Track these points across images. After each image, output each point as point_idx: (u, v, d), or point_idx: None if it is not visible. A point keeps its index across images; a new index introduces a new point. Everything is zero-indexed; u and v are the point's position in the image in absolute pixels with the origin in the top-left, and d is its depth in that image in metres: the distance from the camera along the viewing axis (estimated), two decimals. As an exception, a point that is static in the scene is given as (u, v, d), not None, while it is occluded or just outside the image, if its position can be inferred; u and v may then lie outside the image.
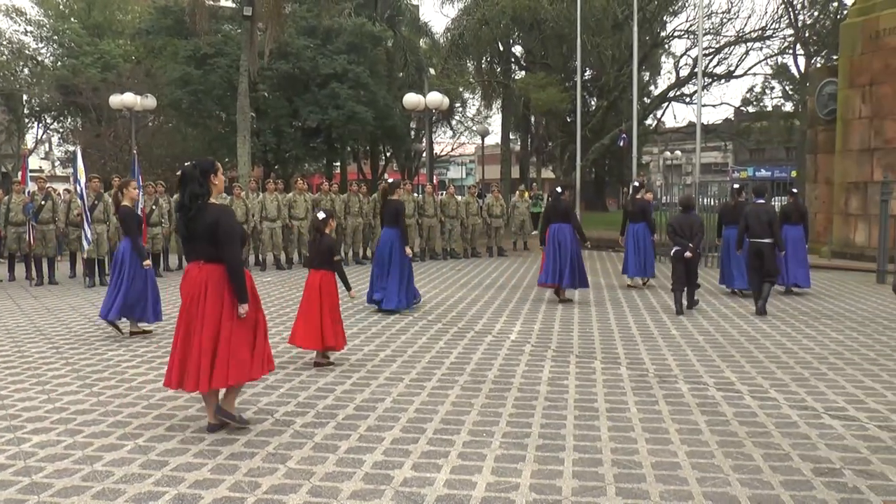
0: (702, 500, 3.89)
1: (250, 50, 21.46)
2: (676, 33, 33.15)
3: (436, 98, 21.72)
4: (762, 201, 10.29)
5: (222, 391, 5.06)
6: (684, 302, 10.08)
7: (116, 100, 21.57)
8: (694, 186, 17.79)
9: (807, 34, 30.82)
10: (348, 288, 7.39)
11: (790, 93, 37.14)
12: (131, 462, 4.47)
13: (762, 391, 6.03)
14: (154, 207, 14.42)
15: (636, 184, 13.24)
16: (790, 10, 30.45)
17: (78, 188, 12.82)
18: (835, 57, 23.49)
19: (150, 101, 22.45)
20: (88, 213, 12.64)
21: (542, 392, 5.96)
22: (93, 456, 4.59)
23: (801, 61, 31.85)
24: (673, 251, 10.11)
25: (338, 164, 36.70)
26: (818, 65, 27.46)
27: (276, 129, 28.41)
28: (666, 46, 35.31)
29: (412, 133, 39.07)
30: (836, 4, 29.24)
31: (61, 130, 37.45)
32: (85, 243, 12.59)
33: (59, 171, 43.41)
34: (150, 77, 28.67)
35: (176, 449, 4.69)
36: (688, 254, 9.94)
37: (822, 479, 4.20)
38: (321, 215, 7.26)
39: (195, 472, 4.29)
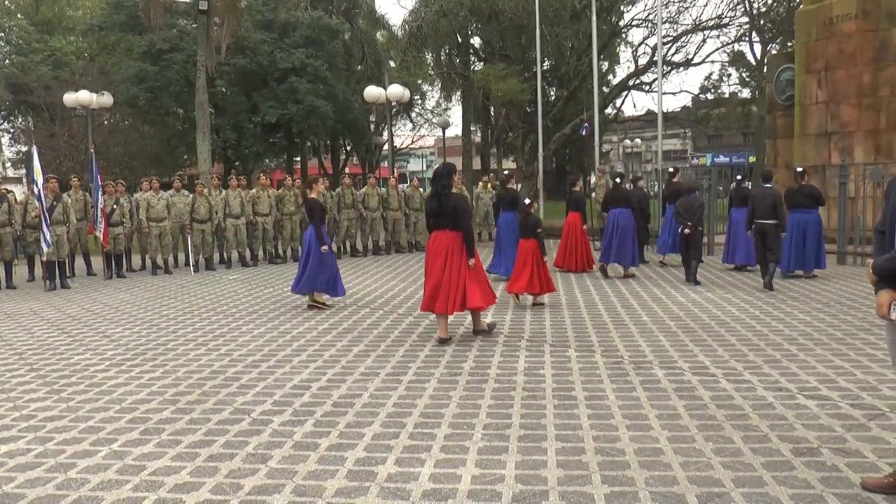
0: (686, 485, 3.92)
1: (207, 45, 21.14)
2: (634, 22, 33.35)
3: (397, 91, 21.61)
4: (769, 185, 11.16)
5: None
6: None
7: (71, 98, 21.10)
8: (654, 173, 17.98)
9: (762, 22, 31.23)
10: (543, 253, 9.43)
11: (747, 79, 37.62)
12: (107, 468, 4.37)
13: (736, 374, 6.10)
14: (115, 207, 14.15)
15: (671, 170, 14.30)
16: (746, -3, 30.84)
17: (35, 189, 12.54)
18: (790, 44, 23.88)
19: (106, 99, 22.00)
20: (47, 215, 12.37)
21: (520, 382, 5.96)
22: (66, 463, 4.47)
23: (758, 48, 32.31)
24: (679, 229, 11.45)
25: (298, 159, 36.41)
26: (774, 52, 27.84)
27: (235, 125, 28.09)
28: (624, 36, 35.49)
29: (372, 126, 38.89)
30: (790, -9, 29.68)
31: (12, 130, 36.62)
32: (44, 245, 12.32)
33: (10, 173, 42.44)
34: (104, 74, 28.16)
35: (153, 453, 4.59)
36: (686, 230, 11.20)
37: (801, 458, 4.25)
38: (527, 201, 9.76)
39: (174, 476, 4.21)
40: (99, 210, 13.71)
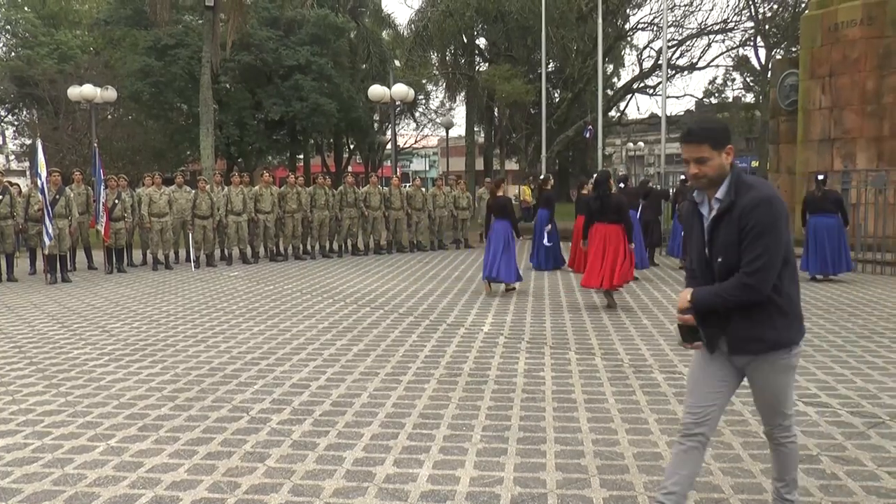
0: (686, 491, 3.89)
1: (212, 41, 21.10)
2: (640, 26, 33.29)
3: (401, 90, 21.60)
4: None
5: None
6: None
7: (75, 92, 21.08)
8: (657, 177, 17.95)
9: (767, 27, 31.21)
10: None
11: (751, 84, 37.64)
12: (104, 464, 4.35)
13: (736, 380, 6.06)
14: (117, 202, 14.13)
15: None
16: (751, 3, 30.83)
17: (38, 182, 12.53)
18: (794, 49, 23.84)
19: (110, 94, 21.99)
20: (50, 208, 12.36)
21: (520, 384, 5.94)
22: (63, 459, 4.45)
23: (762, 53, 32.33)
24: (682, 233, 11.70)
25: (301, 156, 36.38)
26: (778, 57, 27.82)
27: (238, 122, 28.06)
28: (629, 39, 35.54)
29: (376, 125, 38.86)
30: (795, -2, 29.67)
31: (16, 123, 36.62)
32: (46, 239, 12.31)
33: (14, 165, 42.45)
34: (109, 68, 28.17)
35: (150, 449, 4.58)
36: None
37: (800, 466, 4.21)
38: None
39: (172, 473, 4.19)
40: (101, 204, 13.70)
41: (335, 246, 17.06)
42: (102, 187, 13.83)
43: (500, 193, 11.42)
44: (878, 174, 14.23)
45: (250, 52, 26.99)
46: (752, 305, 3.02)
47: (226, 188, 15.53)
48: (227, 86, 28.58)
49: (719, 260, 3.08)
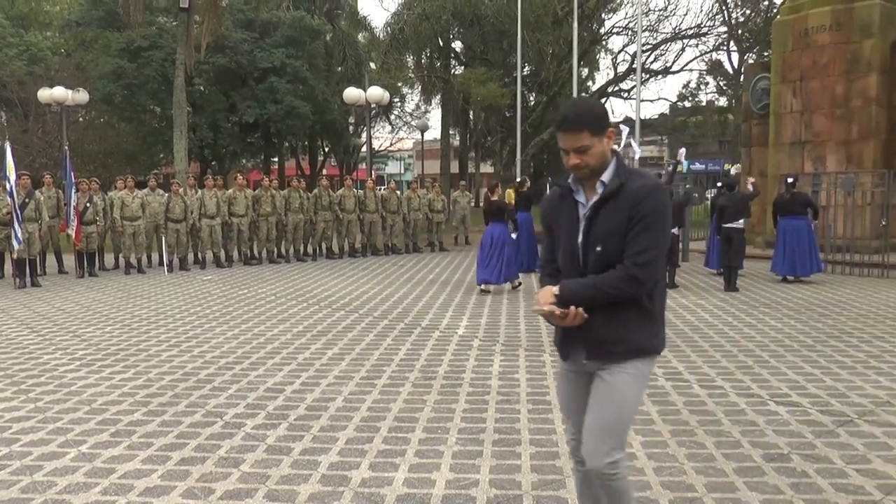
0: (659, 490, 3.93)
1: (186, 43, 20.97)
2: (615, 30, 33.51)
3: (376, 93, 21.59)
4: (735, 193, 11.85)
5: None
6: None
7: (46, 94, 20.85)
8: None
9: (740, 32, 31.58)
10: None
11: (724, 88, 38.03)
12: (75, 471, 4.30)
13: (709, 380, 6.14)
14: (88, 206, 13.97)
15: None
16: (724, 8, 31.19)
17: (7, 186, 12.36)
18: (766, 53, 24.13)
19: (81, 96, 21.76)
20: (19, 212, 12.20)
21: (494, 386, 5.96)
22: (32, 466, 4.39)
23: (735, 58, 32.67)
24: None
25: (276, 159, 36.22)
26: (751, 61, 28.15)
27: (212, 124, 27.89)
28: (604, 43, 35.76)
29: (351, 128, 38.79)
30: (767, 3, 30.05)
31: (-15, 126, 36.07)
32: (15, 243, 12.15)
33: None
34: (80, 70, 27.85)
35: (122, 455, 4.53)
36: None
37: (772, 464, 4.28)
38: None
39: (144, 480, 4.15)
40: (72, 208, 13.54)
41: (310, 249, 17.00)
42: (73, 191, 13.66)
43: (494, 198, 11.64)
44: (847, 177, 14.46)
45: (225, 55, 26.84)
46: (617, 304, 2.72)
47: (199, 191, 15.41)
48: (202, 88, 28.40)
49: (598, 249, 2.75)
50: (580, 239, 2.80)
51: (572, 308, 2.70)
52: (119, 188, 14.74)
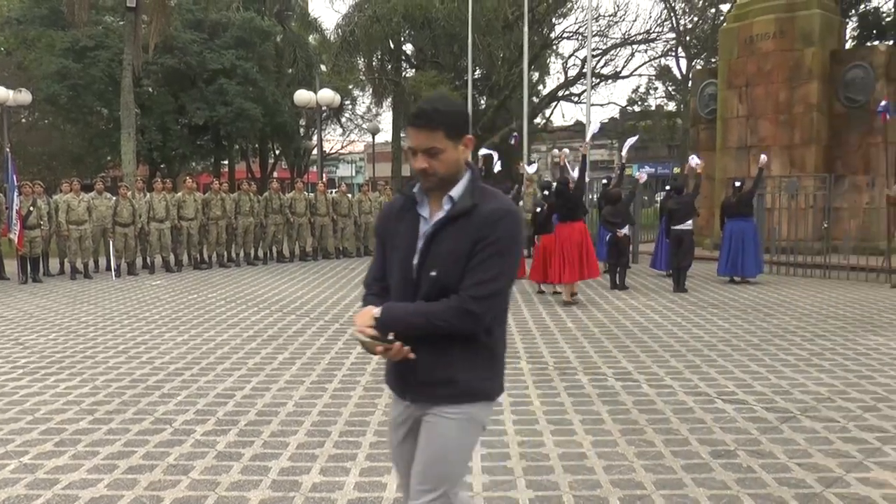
0: (609, 488, 3.98)
1: (134, 43, 20.58)
2: (565, 35, 33.83)
3: (327, 95, 21.50)
4: (683, 195, 12.13)
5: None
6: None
7: (-15, 95, 20.26)
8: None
9: (688, 38, 32.14)
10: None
11: (672, 93, 38.67)
12: (16, 483, 4.18)
13: (658, 379, 6.24)
14: (32, 209, 13.63)
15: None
16: (672, 15, 31.73)
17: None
18: (713, 60, 24.59)
19: (24, 96, 21.18)
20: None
21: (447, 389, 5.95)
22: (-27, 476, 4.28)
23: (683, 63, 33.25)
24: (608, 236, 11.82)
25: (226, 162, 35.77)
26: (698, 67, 28.67)
27: (161, 126, 27.40)
28: (555, 47, 36.04)
29: (302, 130, 38.52)
30: (714, 11, 30.61)
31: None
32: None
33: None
34: (22, 70, 27.14)
35: (67, 465, 4.43)
36: (621, 232, 11.77)
37: (719, 461, 4.37)
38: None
39: (90, 490, 4.06)
40: (14, 212, 13.20)
41: (260, 253, 16.84)
42: (16, 194, 13.32)
43: None
44: (790, 180, 14.85)
45: (174, 55, 26.41)
46: (448, 339, 2.33)
47: (148, 194, 15.15)
48: (150, 89, 27.89)
49: (433, 274, 2.34)
50: (416, 259, 2.39)
51: (397, 343, 2.30)
52: (64, 191, 14.40)
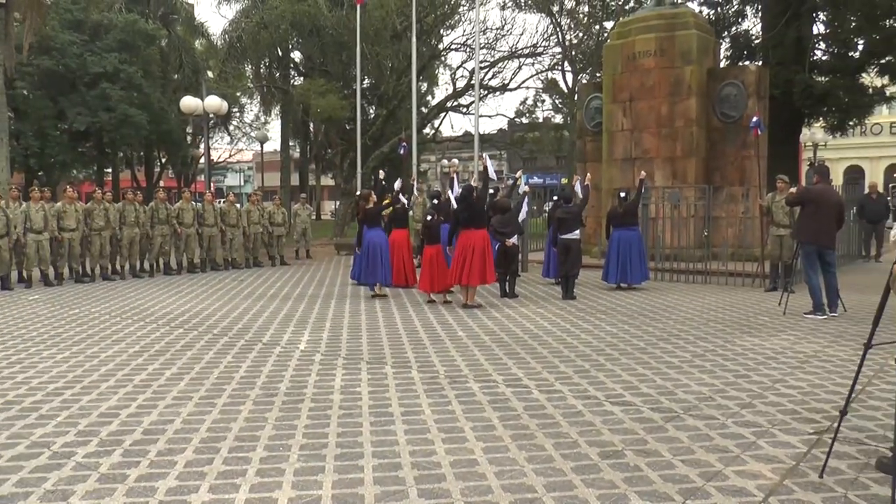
0: (501, 493, 4.04)
1: (6, 42, 19.55)
2: (453, 46, 34.15)
3: (214, 102, 21.05)
4: (571, 205, 12.40)
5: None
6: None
7: None
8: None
9: (573, 53, 33.03)
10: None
11: (559, 106, 39.60)
12: None
13: (548, 385, 6.38)
14: None
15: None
16: (558, 30, 32.55)
17: None
18: (598, 74, 25.41)
19: None
20: None
21: (336, 401, 5.92)
22: None
23: (569, 77, 34.13)
24: (497, 246, 11.83)
25: (109, 170, 34.49)
26: (584, 81, 29.51)
27: (39, 132, 26.14)
28: (443, 58, 36.36)
29: (188, 138, 37.54)
30: (598, 28, 31.61)
31: None
32: None
33: None
34: None
35: (-69, 492, 4.15)
36: (511, 241, 11.95)
37: (607, 461, 4.51)
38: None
39: (-43, 517, 3.82)
40: None
41: (146, 265, 16.25)
42: None
43: (370, 206, 12.44)
44: (672, 191, 15.51)
45: (51, 57, 25.27)
46: None
47: (24, 204, 14.36)
48: (25, 92, 26.56)
49: None
50: None
51: None
52: (-72, 201, 13.50)
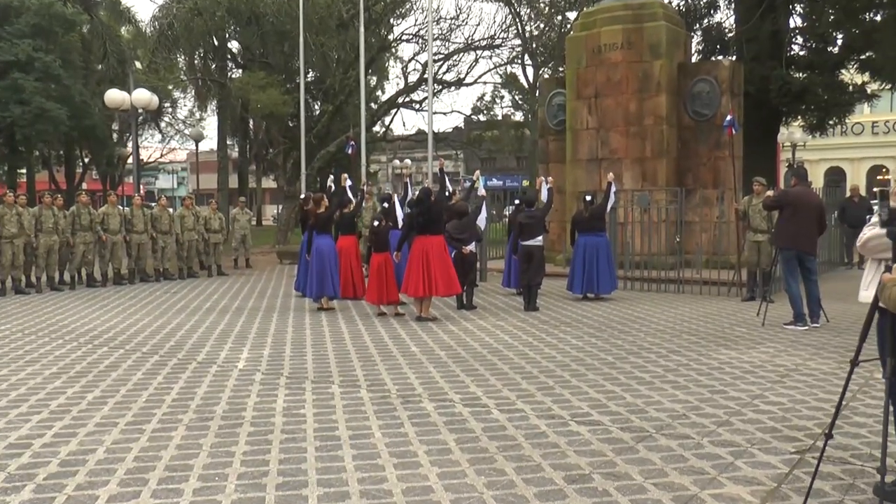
0: (458, 525, 4.02)
1: None
2: (404, 37, 34.20)
3: (143, 96, 20.79)
4: (533, 209, 12.45)
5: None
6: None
7: None
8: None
9: (534, 45, 33.32)
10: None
11: (520, 102, 39.90)
12: None
13: (509, 403, 6.38)
14: None
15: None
16: (518, 21, 32.79)
17: None
18: (561, 69, 25.63)
19: None
20: None
21: (278, 424, 5.85)
22: None
23: (530, 71, 34.43)
24: (453, 253, 11.70)
25: (24, 171, 33.79)
26: (546, 76, 29.78)
27: (-61, 128, 25.46)
28: (394, 50, 36.42)
29: (115, 136, 36.94)
30: (560, 18, 31.92)
31: None
32: None
33: None
34: None
35: None
36: (468, 248, 12.11)
37: (573, 486, 4.51)
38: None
39: None
40: None
41: (67, 276, 15.92)
42: None
43: (321, 211, 12.44)
44: (642, 194, 15.68)
45: (-47, 43, 24.64)
46: None
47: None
48: (-78, 83, 25.86)
49: None
50: None
51: None
52: None
